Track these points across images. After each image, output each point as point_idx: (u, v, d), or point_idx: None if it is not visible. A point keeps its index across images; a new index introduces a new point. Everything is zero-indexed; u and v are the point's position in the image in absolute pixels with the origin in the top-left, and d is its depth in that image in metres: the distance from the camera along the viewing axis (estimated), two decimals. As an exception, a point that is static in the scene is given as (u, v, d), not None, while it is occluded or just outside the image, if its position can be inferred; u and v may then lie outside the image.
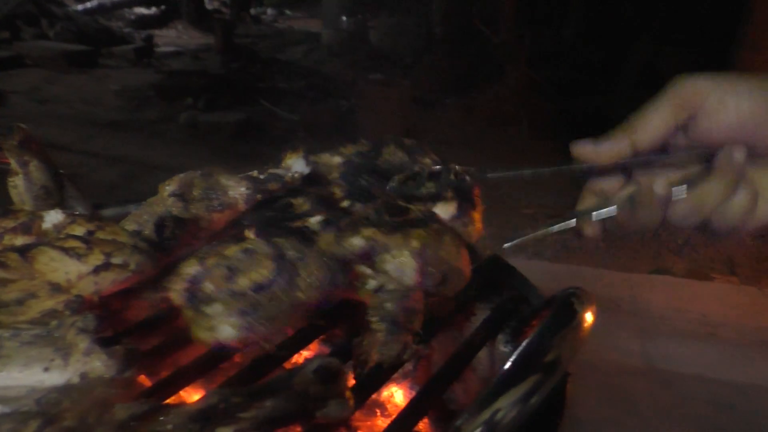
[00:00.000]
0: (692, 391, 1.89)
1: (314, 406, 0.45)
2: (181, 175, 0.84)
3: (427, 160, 0.87)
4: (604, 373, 1.98)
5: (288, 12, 12.76)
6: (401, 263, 0.71)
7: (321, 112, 5.45)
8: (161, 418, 0.41)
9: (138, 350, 0.54)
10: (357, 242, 0.72)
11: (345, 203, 0.79)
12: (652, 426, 1.73)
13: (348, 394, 0.46)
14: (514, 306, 0.85)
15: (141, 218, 0.80)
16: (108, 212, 0.99)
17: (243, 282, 0.64)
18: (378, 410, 0.95)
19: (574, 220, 0.70)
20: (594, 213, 0.67)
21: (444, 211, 0.81)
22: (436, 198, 0.81)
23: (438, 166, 0.86)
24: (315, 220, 0.74)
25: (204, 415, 0.42)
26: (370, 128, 4.81)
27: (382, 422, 0.93)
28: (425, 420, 0.94)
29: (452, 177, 0.83)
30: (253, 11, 11.90)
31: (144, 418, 0.41)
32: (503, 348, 0.81)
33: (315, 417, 0.45)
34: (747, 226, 0.62)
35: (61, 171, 0.92)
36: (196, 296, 0.63)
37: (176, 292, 0.65)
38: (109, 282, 0.62)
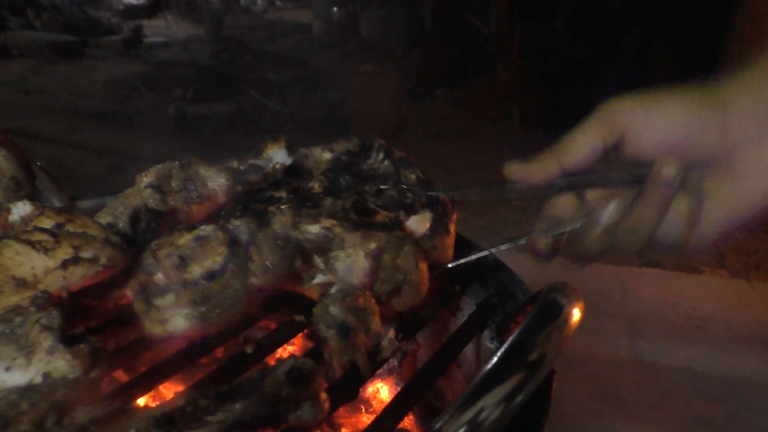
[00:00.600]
0: (680, 384, 1.89)
1: (286, 409, 0.42)
2: (159, 165, 0.82)
3: (413, 176, 0.85)
4: (593, 366, 1.97)
5: (278, 3, 12.66)
6: (353, 262, 0.69)
7: (311, 103, 5.41)
8: (124, 422, 0.39)
9: (105, 349, 0.51)
10: (313, 230, 0.70)
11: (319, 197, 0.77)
12: (639, 418, 1.73)
13: (323, 396, 0.44)
14: (499, 301, 0.83)
15: (116, 210, 0.77)
16: (84, 204, 0.96)
17: (195, 270, 0.61)
18: (362, 407, 0.94)
19: (524, 238, 0.73)
20: (541, 232, 0.70)
21: (416, 227, 0.79)
22: (410, 212, 0.78)
23: (420, 183, 0.84)
24: (280, 206, 0.72)
25: (169, 418, 0.40)
26: (360, 121, 4.77)
27: (367, 419, 0.92)
28: (410, 417, 0.93)
29: (431, 195, 0.81)
30: (242, 2, 11.81)
31: (105, 422, 0.39)
32: (489, 344, 0.80)
33: (287, 420, 0.43)
34: (701, 240, 0.63)
35: (38, 163, 0.89)
36: (147, 288, 0.61)
37: (132, 288, 0.62)
38: (78, 277, 0.59)
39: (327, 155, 0.88)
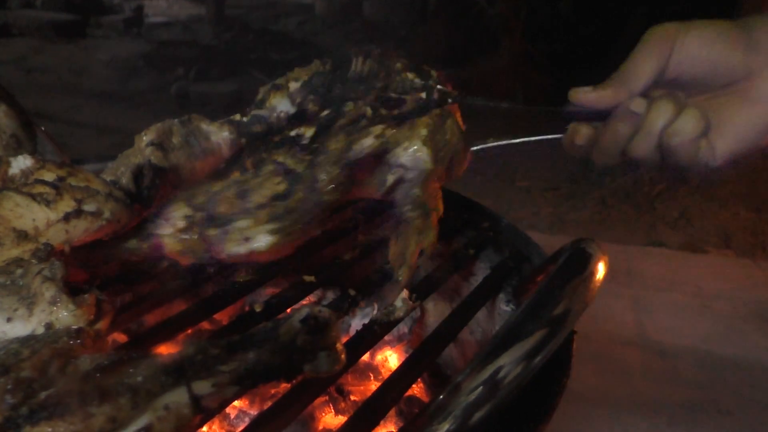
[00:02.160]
0: (686, 363, 1.88)
1: (302, 359, 0.40)
2: (159, 123, 0.79)
3: (399, 65, 0.83)
4: (599, 344, 1.96)
5: (280, -17, 12.53)
6: (416, 151, 0.71)
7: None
8: (130, 370, 0.37)
9: (110, 301, 0.49)
10: (369, 142, 0.71)
11: (325, 113, 0.76)
12: (645, 397, 1.72)
13: (339, 346, 0.42)
14: (515, 264, 0.81)
15: (117, 170, 0.75)
16: (86, 167, 0.94)
17: (258, 198, 0.60)
18: (371, 374, 0.92)
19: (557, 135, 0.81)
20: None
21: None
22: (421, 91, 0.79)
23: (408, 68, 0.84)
24: (307, 133, 0.71)
25: (178, 366, 0.37)
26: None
27: (375, 386, 0.90)
28: (420, 385, 0.91)
29: (431, 78, 0.82)
30: (244, -18, 11.69)
31: (110, 369, 0.37)
32: (505, 307, 0.78)
33: (303, 371, 0.41)
34: (713, 156, 0.69)
35: (43, 128, 0.87)
36: (215, 218, 0.59)
37: (171, 236, 0.61)
38: (80, 230, 0.57)
39: (293, 85, 0.85)
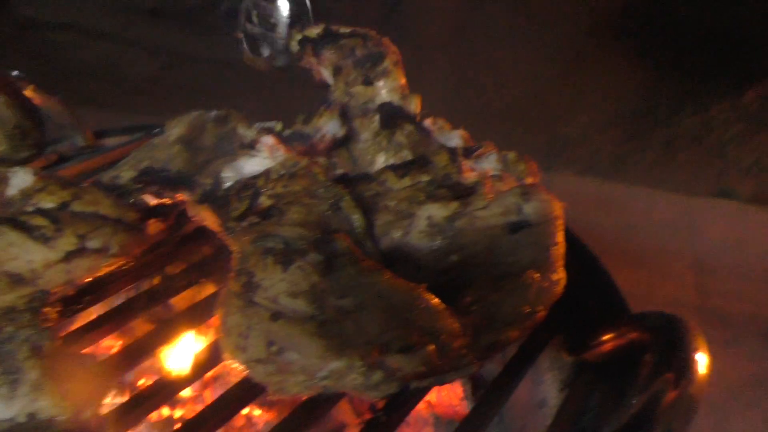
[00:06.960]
0: (747, 332, 1.78)
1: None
2: (193, 114, 0.72)
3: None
4: (654, 306, 1.86)
5: None
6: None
7: (366, 5, 5.15)
8: None
9: (104, 385, 0.43)
10: None
11: None
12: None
13: None
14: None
15: (141, 164, 0.68)
16: (110, 142, 0.88)
17: None
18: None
19: None
20: None
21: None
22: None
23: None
24: None
25: None
26: (418, 26, 4.53)
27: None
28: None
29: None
30: None
31: None
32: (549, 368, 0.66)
33: None
34: None
35: (59, 98, 0.81)
36: None
37: None
38: (84, 270, 0.51)
39: None
